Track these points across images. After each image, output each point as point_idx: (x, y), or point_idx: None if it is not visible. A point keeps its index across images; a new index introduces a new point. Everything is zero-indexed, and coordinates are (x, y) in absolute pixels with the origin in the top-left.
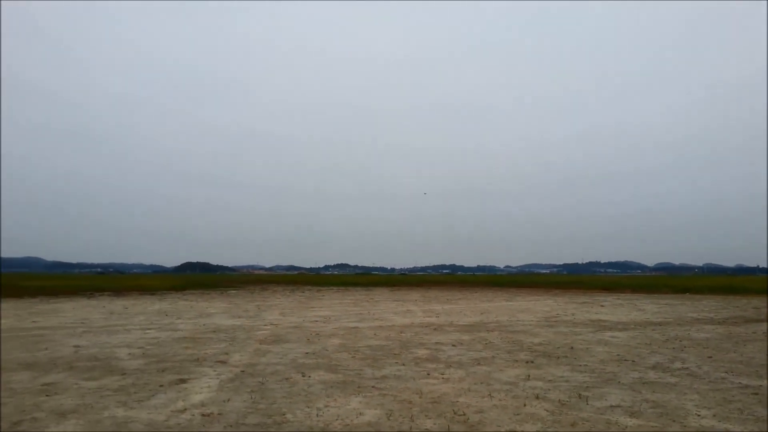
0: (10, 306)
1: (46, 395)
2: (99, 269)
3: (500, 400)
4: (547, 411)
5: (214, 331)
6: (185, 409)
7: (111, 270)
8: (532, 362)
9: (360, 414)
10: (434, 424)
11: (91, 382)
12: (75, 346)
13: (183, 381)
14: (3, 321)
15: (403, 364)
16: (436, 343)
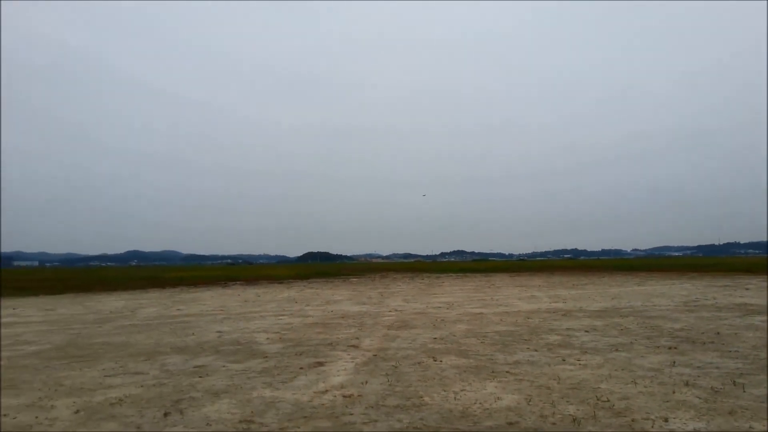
0: (155, 296)
1: (199, 376)
2: (229, 260)
3: (645, 386)
4: (700, 398)
5: (342, 317)
6: (326, 391)
7: (240, 261)
8: (676, 348)
9: (498, 398)
10: (577, 410)
11: (236, 365)
12: (218, 332)
13: (320, 364)
14: (151, 309)
15: (536, 350)
16: (567, 329)
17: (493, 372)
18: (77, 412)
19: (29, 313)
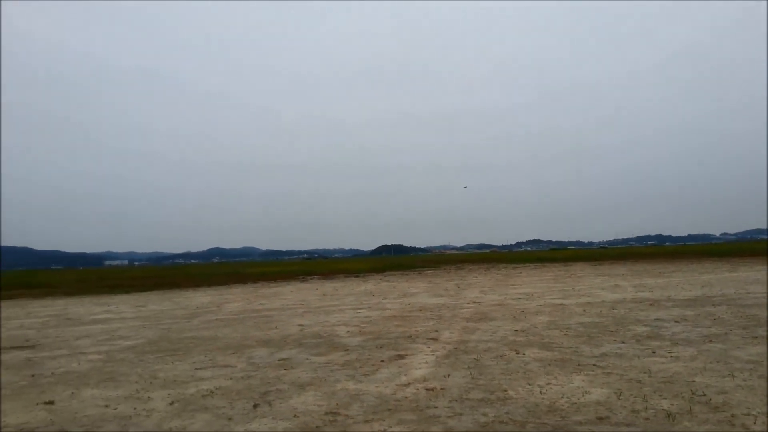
0: (238, 291)
1: (284, 369)
2: (305, 255)
3: (744, 380)
4: None
5: (420, 310)
6: (409, 384)
7: (316, 256)
8: None
9: (586, 392)
10: (671, 404)
11: (319, 357)
12: (299, 325)
13: (401, 357)
14: (235, 304)
15: (623, 342)
16: (656, 319)
17: (579, 365)
18: (172, 403)
19: (122, 310)
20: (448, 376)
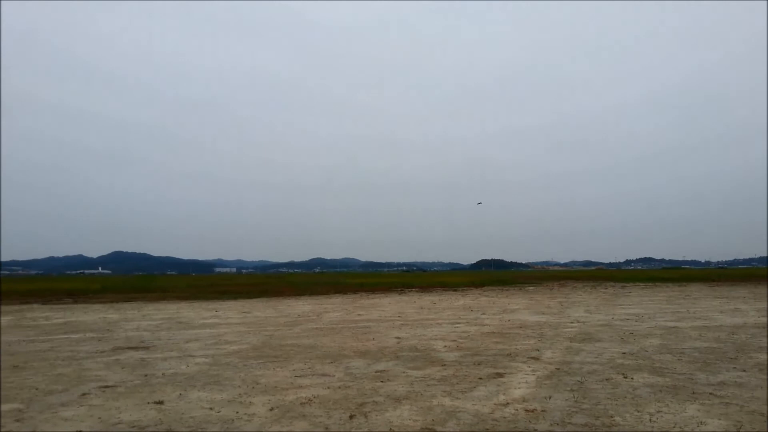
0: (338, 301)
1: (381, 381)
2: (404, 268)
3: None
4: None
5: (521, 327)
6: (507, 403)
7: (414, 268)
8: None
9: (701, 423)
10: None
11: (416, 371)
12: (397, 338)
13: (500, 375)
14: (334, 314)
15: (744, 370)
16: None
17: (693, 393)
18: (272, 409)
19: (229, 315)
20: (550, 397)
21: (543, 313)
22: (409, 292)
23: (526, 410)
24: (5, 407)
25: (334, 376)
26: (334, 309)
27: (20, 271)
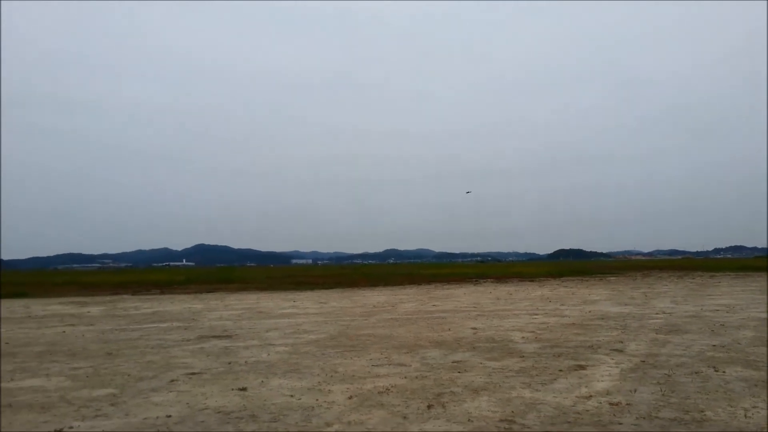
0: (412, 292)
1: (458, 372)
2: (478, 258)
3: None
4: None
5: (602, 318)
6: (590, 396)
7: (489, 259)
8: None
9: None
10: None
11: (493, 362)
12: (473, 328)
13: (581, 367)
14: (409, 305)
15: None
16: None
17: None
18: (350, 397)
19: (306, 306)
20: (635, 391)
21: (626, 304)
22: (484, 282)
23: (610, 403)
24: (102, 392)
25: (411, 365)
26: (408, 300)
27: (111, 264)
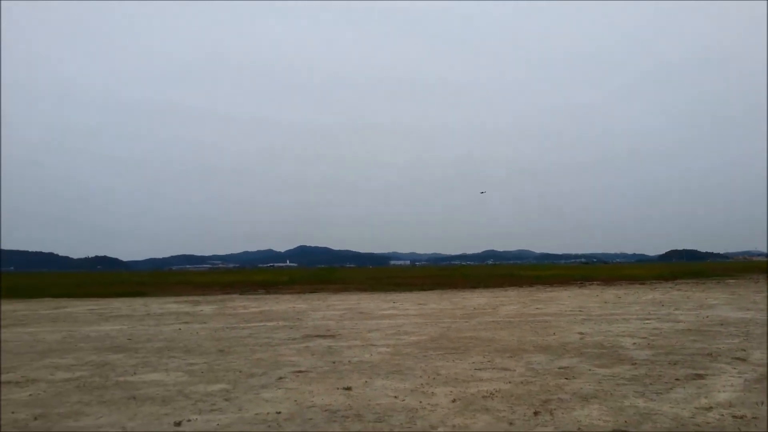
0: (513, 294)
1: (565, 378)
2: (583, 259)
3: None
4: None
5: (721, 324)
6: (711, 407)
7: (594, 260)
8: None
9: None
10: None
11: (603, 369)
12: (579, 333)
13: (700, 376)
14: (511, 307)
15: None
16: None
17: None
18: (454, 401)
19: (406, 307)
20: (762, 403)
21: (748, 309)
22: (590, 285)
23: (734, 416)
24: (216, 387)
25: (515, 370)
26: (510, 302)
27: (220, 265)
